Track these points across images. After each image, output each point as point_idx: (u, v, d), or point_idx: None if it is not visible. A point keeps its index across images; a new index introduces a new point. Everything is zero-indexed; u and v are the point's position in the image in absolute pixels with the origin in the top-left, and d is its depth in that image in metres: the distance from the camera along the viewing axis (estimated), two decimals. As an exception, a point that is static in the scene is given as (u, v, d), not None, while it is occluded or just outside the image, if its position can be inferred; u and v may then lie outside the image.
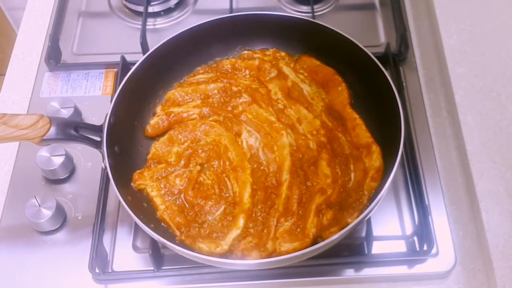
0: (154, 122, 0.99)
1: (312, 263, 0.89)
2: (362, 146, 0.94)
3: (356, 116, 0.98)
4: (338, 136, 0.96)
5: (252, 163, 0.94)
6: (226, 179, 0.92)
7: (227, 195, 0.91)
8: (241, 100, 1.01)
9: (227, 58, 1.08)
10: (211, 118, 0.99)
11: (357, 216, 0.83)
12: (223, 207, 0.90)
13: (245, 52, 1.08)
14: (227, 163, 0.94)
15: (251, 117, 0.99)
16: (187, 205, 0.90)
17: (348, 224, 0.81)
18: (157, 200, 0.90)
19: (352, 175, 0.92)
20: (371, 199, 0.88)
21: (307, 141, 0.95)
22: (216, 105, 1.01)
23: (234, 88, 1.02)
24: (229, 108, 1.01)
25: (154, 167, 0.94)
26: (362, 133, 0.96)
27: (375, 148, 0.93)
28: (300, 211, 0.88)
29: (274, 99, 1.01)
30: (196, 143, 0.97)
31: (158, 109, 1.02)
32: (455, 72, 1.05)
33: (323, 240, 0.81)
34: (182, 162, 0.94)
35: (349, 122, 0.98)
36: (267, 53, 1.07)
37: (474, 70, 1.05)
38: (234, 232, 0.86)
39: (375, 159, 0.91)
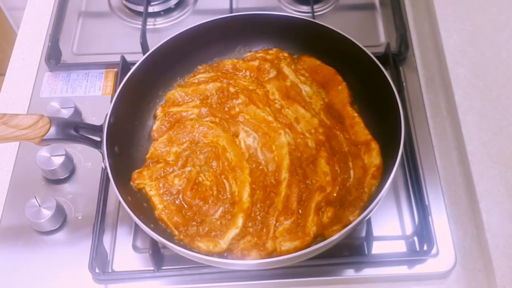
0: (157, 127, 0.99)
1: (312, 263, 0.89)
2: (360, 144, 0.94)
3: (355, 114, 0.98)
4: (337, 134, 0.96)
5: (250, 163, 0.94)
6: (225, 180, 0.92)
7: (225, 197, 0.91)
8: (238, 101, 1.01)
9: (228, 58, 1.08)
10: (207, 119, 0.99)
11: (359, 214, 0.83)
12: (221, 209, 0.90)
13: (248, 54, 1.08)
14: (226, 163, 0.94)
15: (248, 118, 0.99)
16: (185, 206, 0.90)
17: (350, 222, 0.81)
18: (155, 200, 0.90)
19: (351, 172, 0.92)
20: (371, 197, 0.88)
21: (305, 139, 0.95)
22: (214, 105, 1.01)
23: (231, 89, 1.02)
24: (226, 109, 1.01)
25: (153, 166, 0.94)
26: (361, 131, 0.96)
27: (374, 146, 0.93)
28: (299, 210, 0.88)
29: (272, 99, 1.01)
30: (195, 144, 0.97)
31: (159, 111, 1.02)
32: (455, 72, 1.05)
33: (324, 239, 0.81)
34: (180, 163, 0.94)
35: (348, 120, 0.98)
36: (270, 52, 1.07)
37: (474, 70, 1.04)
38: (233, 231, 0.86)
39: (375, 157, 0.91)
